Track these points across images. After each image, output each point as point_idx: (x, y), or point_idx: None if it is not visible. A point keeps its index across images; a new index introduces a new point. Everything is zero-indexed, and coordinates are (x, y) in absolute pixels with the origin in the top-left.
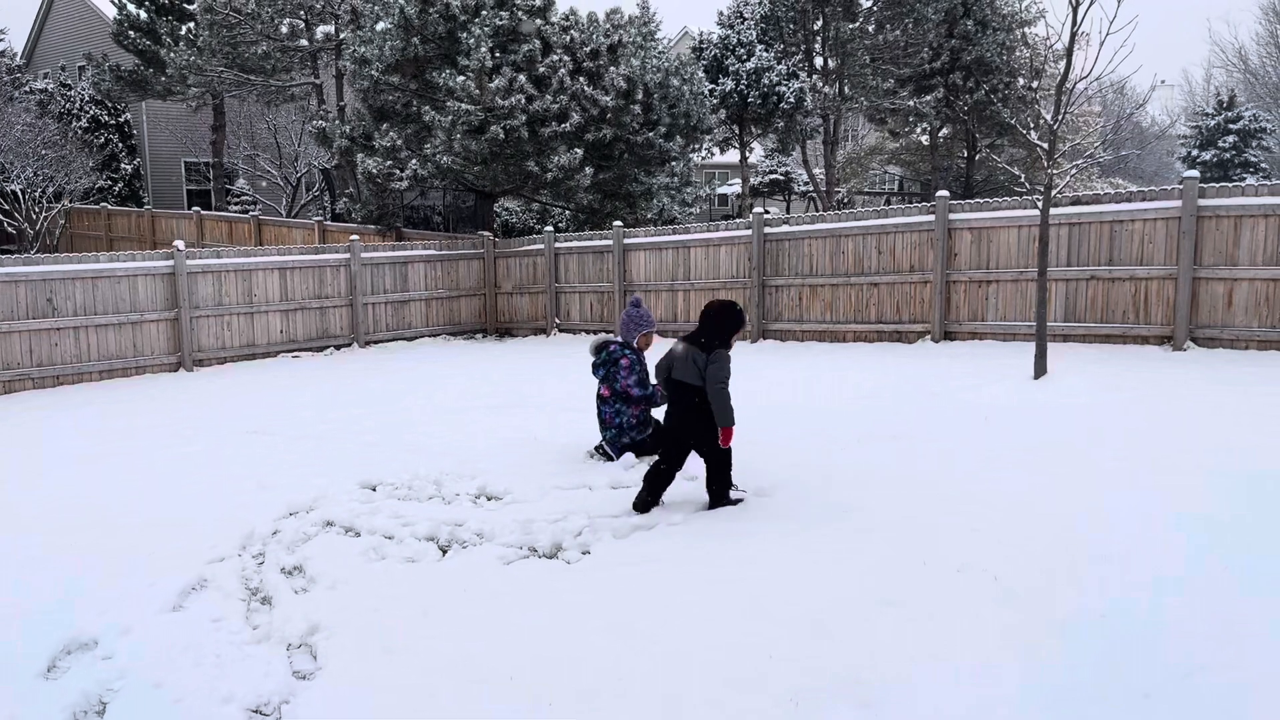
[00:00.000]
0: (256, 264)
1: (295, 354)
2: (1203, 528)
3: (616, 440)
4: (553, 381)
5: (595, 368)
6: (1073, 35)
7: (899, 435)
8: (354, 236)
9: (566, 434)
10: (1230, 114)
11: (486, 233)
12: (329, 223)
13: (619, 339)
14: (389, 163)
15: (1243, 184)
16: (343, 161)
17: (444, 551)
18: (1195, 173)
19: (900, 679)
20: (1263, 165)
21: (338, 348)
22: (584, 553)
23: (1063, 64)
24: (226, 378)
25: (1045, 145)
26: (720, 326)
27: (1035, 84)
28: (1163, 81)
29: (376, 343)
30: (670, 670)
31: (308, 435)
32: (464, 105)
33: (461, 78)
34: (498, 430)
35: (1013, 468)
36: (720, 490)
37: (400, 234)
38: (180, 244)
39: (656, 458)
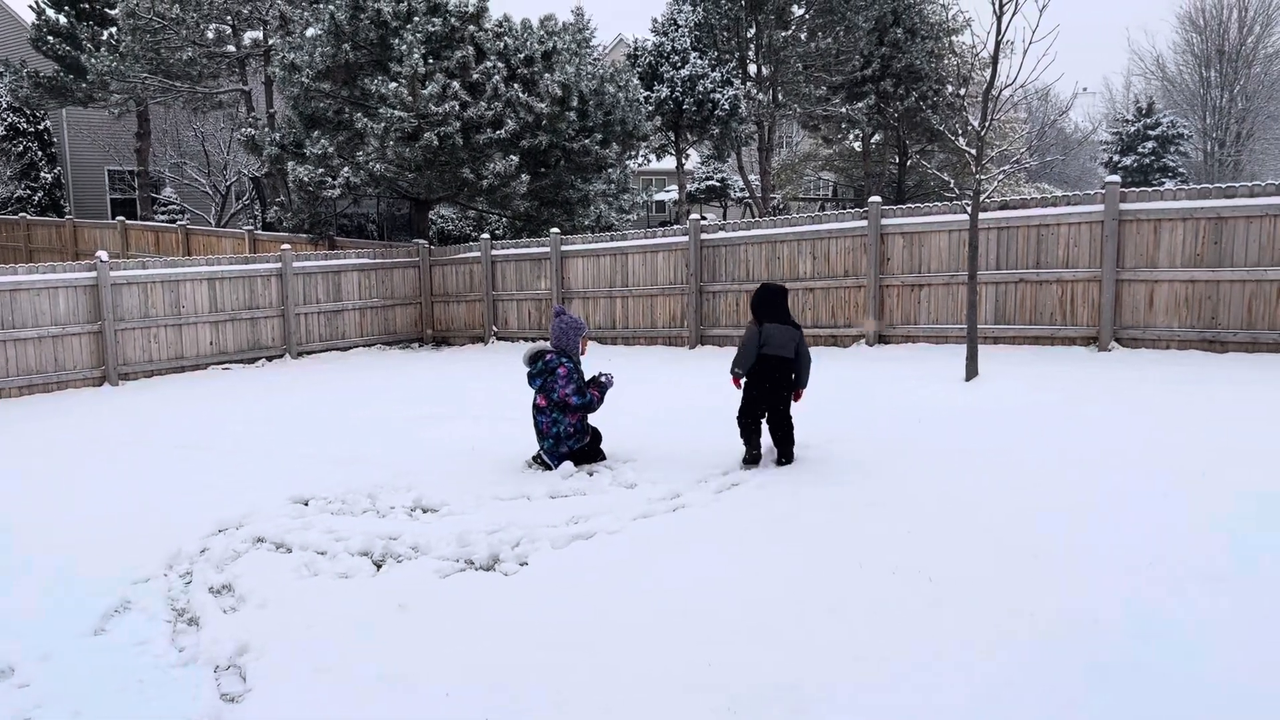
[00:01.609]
0: (184, 274)
1: (226, 366)
2: (1133, 527)
3: (555, 449)
4: (490, 390)
5: (531, 378)
6: (997, 44)
7: (835, 438)
8: (285, 245)
9: (504, 443)
10: (1149, 120)
11: (421, 240)
12: (260, 232)
13: (552, 347)
14: (321, 170)
15: (1161, 188)
16: (273, 169)
17: (378, 566)
18: (1116, 178)
19: (836, 684)
20: (1181, 170)
21: (270, 359)
22: (521, 564)
23: (988, 72)
24: (153, 392)
25: (973, 151)
26: (787, 305)
27: (963, 91)
28: (1084, 89)
29: (310, 353)
30: (607, 682)
31: (238, 450)
32: (397, 112)
33: (394, 84)
34: (434, 441)
35: (946, 469)
36: (790, 447)
37: (333, 243)
38: (103, 254)
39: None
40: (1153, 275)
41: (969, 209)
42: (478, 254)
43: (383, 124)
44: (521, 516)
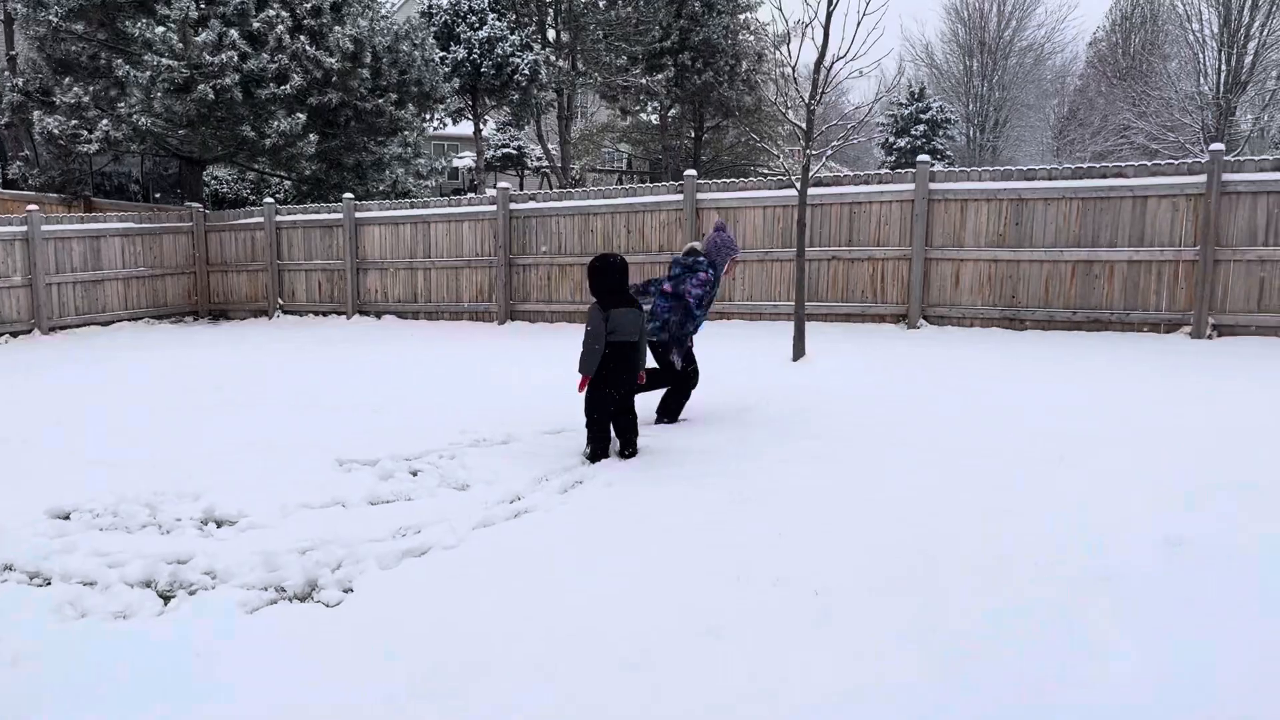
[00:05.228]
0: None
1: None
2: (1012, 520)
3: (658, 331)
4: (283, 371)
5: (674, 264)
6: (829, 14)
7: (671, 425)
8: (32, 206)
9: (306, 436)
10: (921, 105)
11: (196, 204)
12: (1, 190)
13: (704, 255)
14: (74, 122)
15: (968, 169)
16: (15, 120)
17: (165, 600)
18: (927, 157)
19: None
20: (948, 153)
21: (14, 335)
22: (345, 591)
23: (781, 51)
24: None
25: (803, 125)
26: (628, 281)
27: (758, 68)
28: (860, 72)
29: (64, 328)
30: None
31: None
32: (165, 60)
33: (161, 29)
34: (222, 434)
35: (801, 459)
36: (635, 437)
37: (90, 204)
38: None
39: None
40: (959, 255)
41: (783, 184)
42: (261, 220)
43: (148, 73)
44: (339, 529)
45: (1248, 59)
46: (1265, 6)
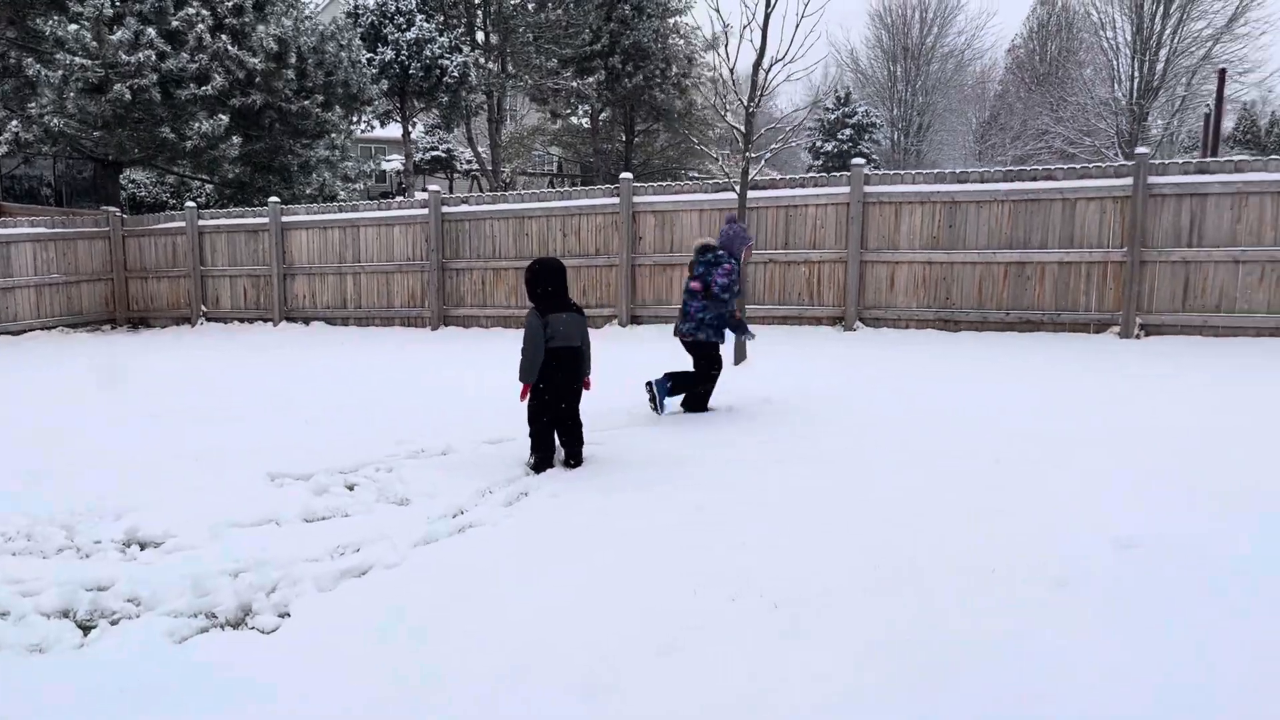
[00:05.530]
0: None
1: None
2: (980, 522)
3: (693, 331)
4: (203, 381)
5: (695, 265)
6: (767, 15)
7: (614, 429)
8: None
9: (234, 448)
10: (848, 109)
11: (113, 208)
12: None
13: (720, 247)
14: None
15: (902, 172)
16: None
17: (85, 630)
18: (861, 160)
19: None
20: (874, 157)
21: None
22: (281, 615)
23: (720, 52)
24: None
25: (742, 128)
26: (567, 285)
27: (688, 71)
28: (791, 76)
29: None
30: None
31: None
32: (78, 59)
33: (74, 26)
34: (140, 447)
35: (754, 465)
36: (580, 447)
37: None
38: None
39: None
40: (894, 257)
41: (719, 188)
42: (183, 224)
43: (61, 72)
44: (273, 549)
45: (1160, 66)
46: (1176, 15)
